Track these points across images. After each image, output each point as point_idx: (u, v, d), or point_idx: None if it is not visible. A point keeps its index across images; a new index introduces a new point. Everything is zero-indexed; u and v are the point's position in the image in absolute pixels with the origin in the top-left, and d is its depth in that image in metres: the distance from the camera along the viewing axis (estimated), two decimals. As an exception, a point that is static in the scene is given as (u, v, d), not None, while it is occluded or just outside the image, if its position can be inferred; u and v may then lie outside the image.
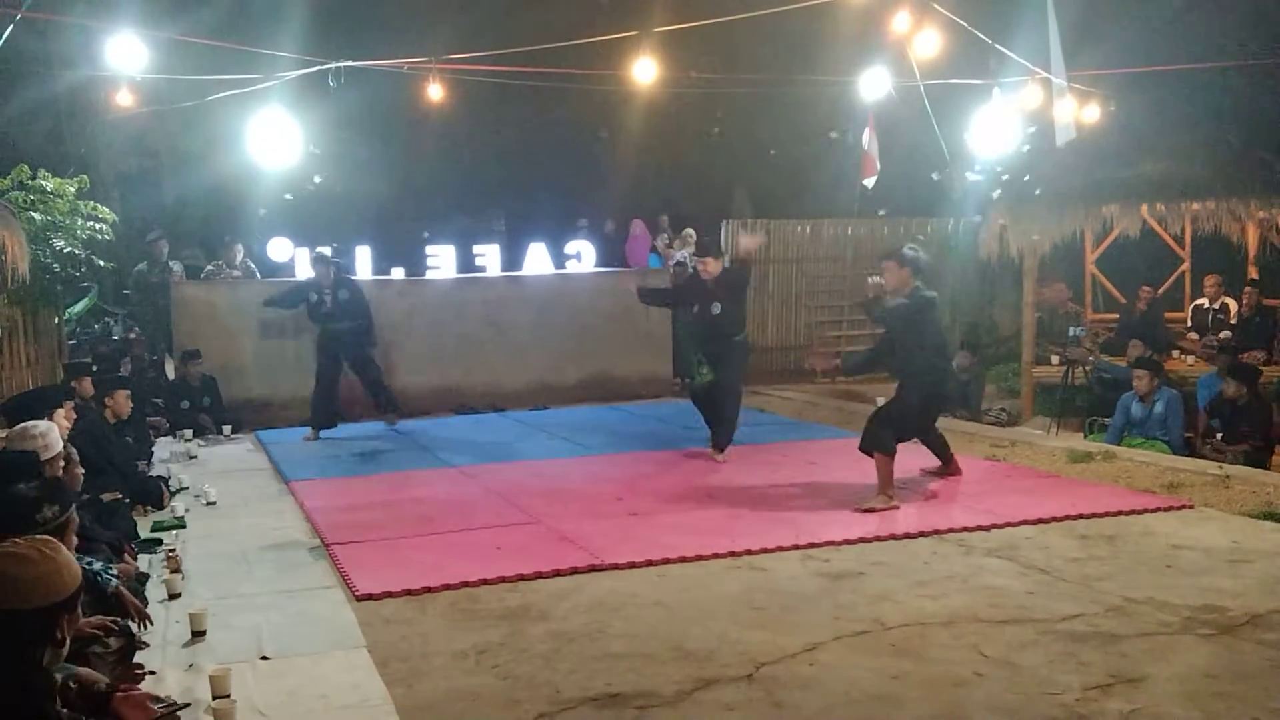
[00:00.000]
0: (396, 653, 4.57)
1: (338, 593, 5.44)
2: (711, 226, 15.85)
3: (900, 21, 11.19)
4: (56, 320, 11.55)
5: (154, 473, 8.26)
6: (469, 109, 16.32)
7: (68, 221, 10.73)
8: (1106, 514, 6.58)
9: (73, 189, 10.86)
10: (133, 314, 14.32)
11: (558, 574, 5.60)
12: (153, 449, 9.22)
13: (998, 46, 12.25)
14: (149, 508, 7.25)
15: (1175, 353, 12.19)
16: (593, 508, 7.09)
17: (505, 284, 12.75)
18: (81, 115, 15.83)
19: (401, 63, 12.40)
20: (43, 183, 10.63)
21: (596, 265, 13.29)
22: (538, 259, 12.96)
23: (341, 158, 17.36)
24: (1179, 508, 6.75)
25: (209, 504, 7.47)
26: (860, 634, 4.68)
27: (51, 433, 4.93)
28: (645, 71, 11.90)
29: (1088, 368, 11.63)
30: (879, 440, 7.04)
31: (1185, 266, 14.10)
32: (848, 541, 6.10)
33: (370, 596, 5.30)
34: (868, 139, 13.54)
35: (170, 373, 12.14)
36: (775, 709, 3.97)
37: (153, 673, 4.30)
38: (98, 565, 4.60)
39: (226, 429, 10.55)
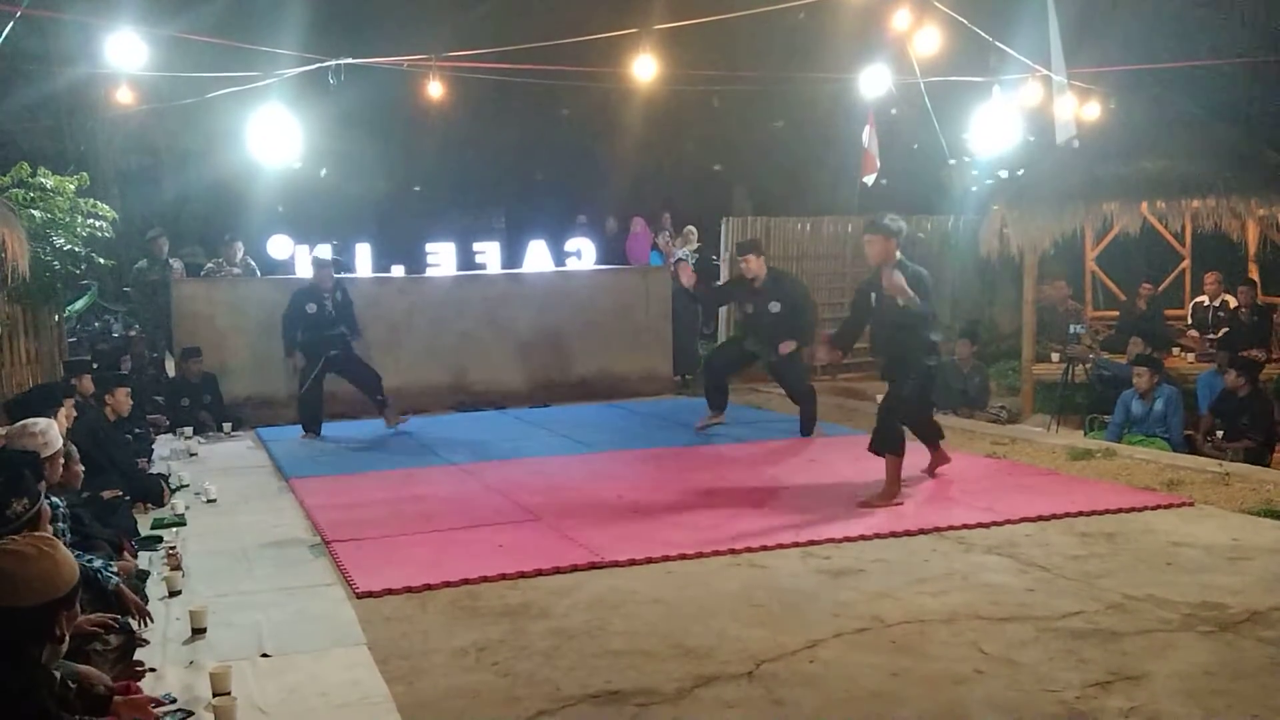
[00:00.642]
0: (397, 650, 4.57)
1: (338, 590, 5.44)
2: (711, 224, 15.87)
3: (900, 19, 11.19)
4: (56, 318, 11.55)
5: (154, 470, 8.25)
6: (469, 107, 16.31)
7: (68, 219, 10.73)
8: (1106, 511, 6.58)
9: (73, 186, 10.85)
10: (133, 312, 14.31)
11: (558, 571, 5.60)
12: (153, 446, 9.23)
13: (998, 44, 12.24)
14: (149, 505, 7.24)
15: (1175, 350, 12.20)
16: (593, 505, 7.09)
17: (506, 281, 12.74)
18: (81, 113, 15.83)
19: (402, 60, 12.39)
20: (43, 180, 10.62)
21: (597, 263, 13.29)
22: (538, 256, 12.94)
23: (342, 155, 17.36)
24: (1179, 505, 6.75)
25: (209, 501, 7.47)
26: (860, 631, 4.68)
27: (51, 430, 4.94)
28: (645, 69, 11.89)
29: (1088, 365, 11.63)
30: (889, 441, 7.02)
31: (1185, 264, 14.10)
32: (848, 539, 6.11)
33: (370, 594, 5.30)
34: (867, 136, 13.53)
35: (170, 370, 12.14)
36: (775, 706, 3.97)
37: (153, 670, 4.30)
38: (98, 563, 4.61)
39: (227, 426, 10.55)
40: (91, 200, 11.08)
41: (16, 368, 10.47)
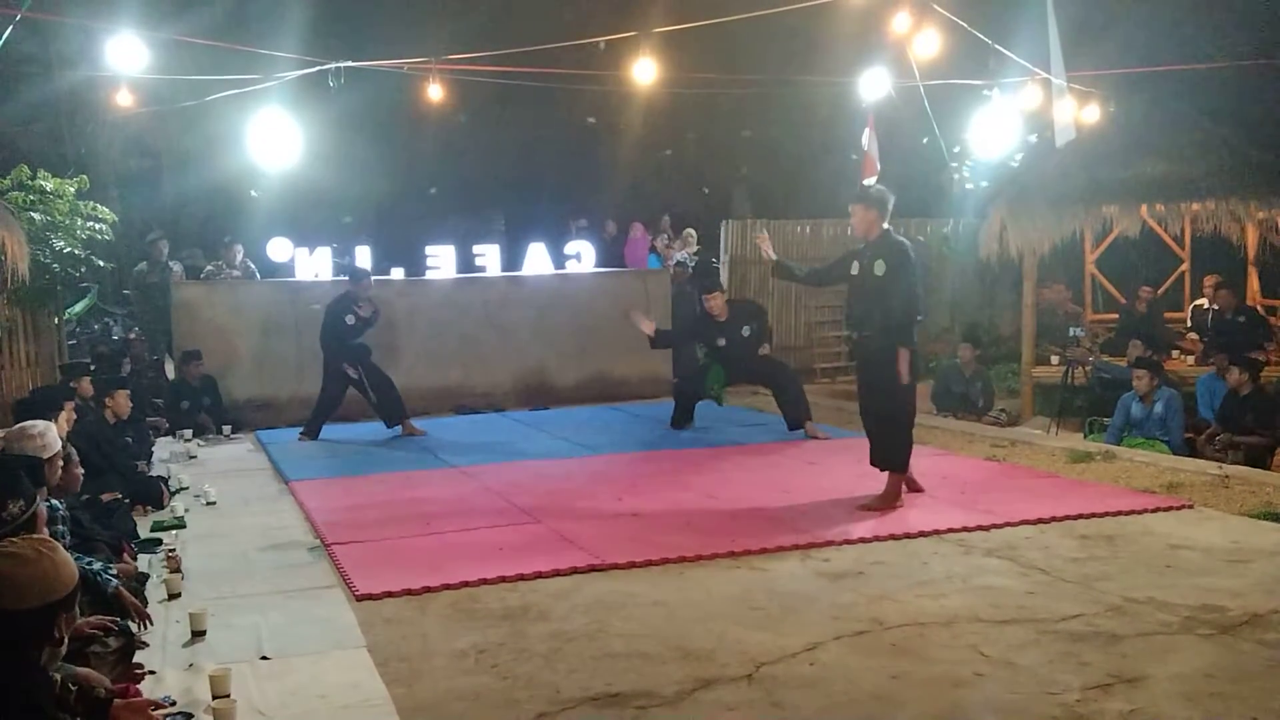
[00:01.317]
0: (396, 653, 4.57)
1: (338, 593, 5.43)
2: (711, 226, 15.89)
3: (900, 22, 11.19)
4: (56, 320, 11.56)
5: (154, 473, 8.26)
6: (469, 109, 16.34)
7: (67, 222, 10.74)
8: (1106, 514, 6.58)
9: (73, 189, 10.87)
10: (132, 314, 14.33)
11: (558, 574, 5.60)
12: (152, 449, 9.23)
13: (997, 47, 12.25)
14: (149, 508, 7.24)
15: (1175, 353, 12.20)
16: (593, 508, 7.09)
17: (505, 284, 12.75)
18: (81, 115, 15.86)
19: (401, 63, 12.40)
20: (42, 183, 10.64)
21: (596, 266, 13.29)
22: (537, 259, 12.95)
23: (341, 158, 17.37)
24: (1179, 508, 6.75)
25: (209, 504, 7.47)
26: (860, 634, 4.67)
27: (50, 432, 4.93)
28: (645, 72, 11.90)
29: (1087, 368, 11.64)
30: (895, 459, 6.92)
31: (1185, 267, 14.11)
32: (848, 541, 6.10)
33: (370, 596, 5.29)
34: (867, 139, 13.54)
35: (170, 373, 12.15)
36: (775, 709, 3.97)
37: (152, 672, 4.29)
38: (97, 565, 4.61)
39: (226, 429, 10.56)
40: (91, 203, 11.09)
41: (16, 370, 10.48)
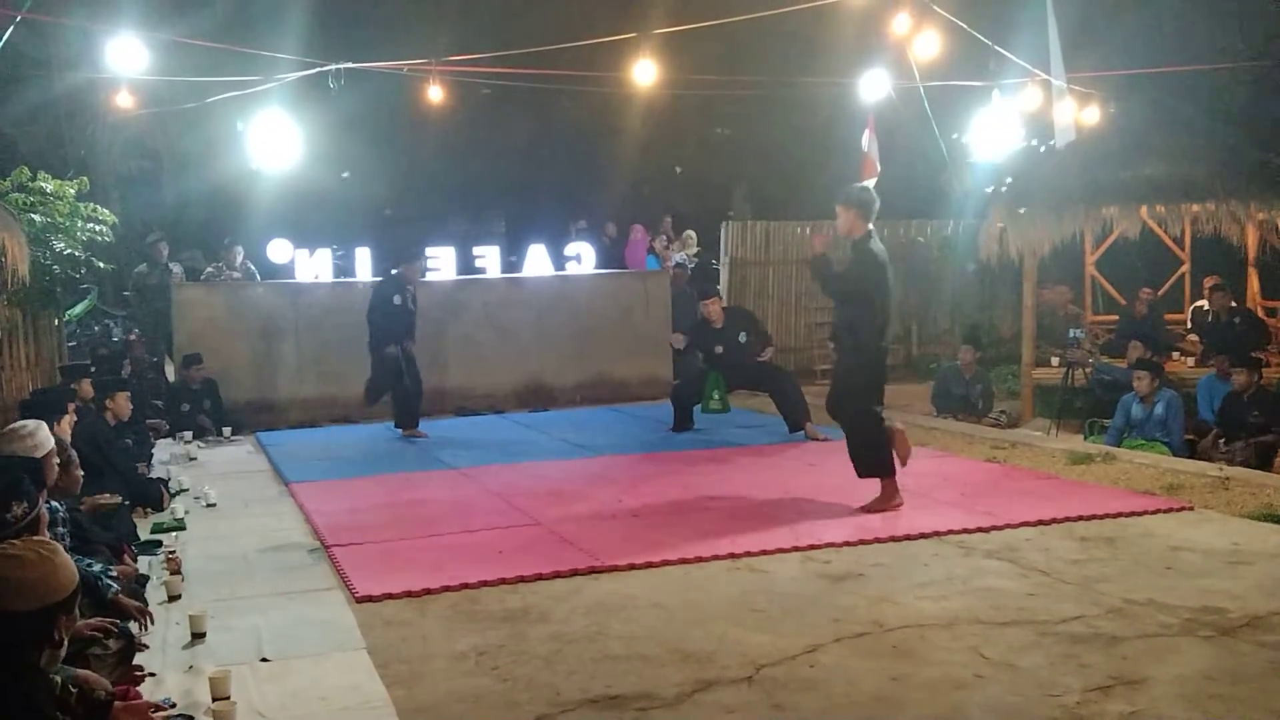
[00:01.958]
0: (397, 654, 4.57)
1: (338, 594, 5.43)
2: (711, 227, 15.89)
3: (900, 23, 11.20)
4: (56, 322, 11.56)
5: (154, 475, 8.26)
6: (469, 111, 16.34)
7: (68, 223, 10.75)
8: (1106, 516, 6.57)
9: (73, 191, 10.87)
10: (133, 316, 14.33)
11: (558, 576, 5.59)
12: (153, 451, 9.22)
13: (997, 48, 12.26)
14: (149, 510, 7.24)
15: (1175, 354, 12.19)
16: (593, 509, 7.09)
17: (505, 286, 12.74)
18: (81, 117, 15.87)
19: (401, 64, 12.41)
20: (43, 184, 10.64)
21: (596, 267, 13.29)
22: (537, 261, 12.94)
23: (342, 159, 17.38)
24: (1179, 509, 6.74)
25: (209, 506, 7.47)
26: (860, 636, 4.67)
27: (40, 431, 4.90)
28: (645, 73, 11.90)
29: (1088, 369, 11.63)
30: (875, 467, 6.86)
31: (1185, 268, 14.10)
32: (848, 543, 6.10)
33: (370, 598, 5.29)
34: (867, 141, 13.54)
35: (170, 375, 12.14)
36: (775, 711, 3.97)
37: (152, 675, 4.29)
38: (97, 567, 4.61)
39: (226, 431, 10.55)
40: (91, 204, 11.10)
41: (16, 372, 10.48)
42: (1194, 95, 12.75)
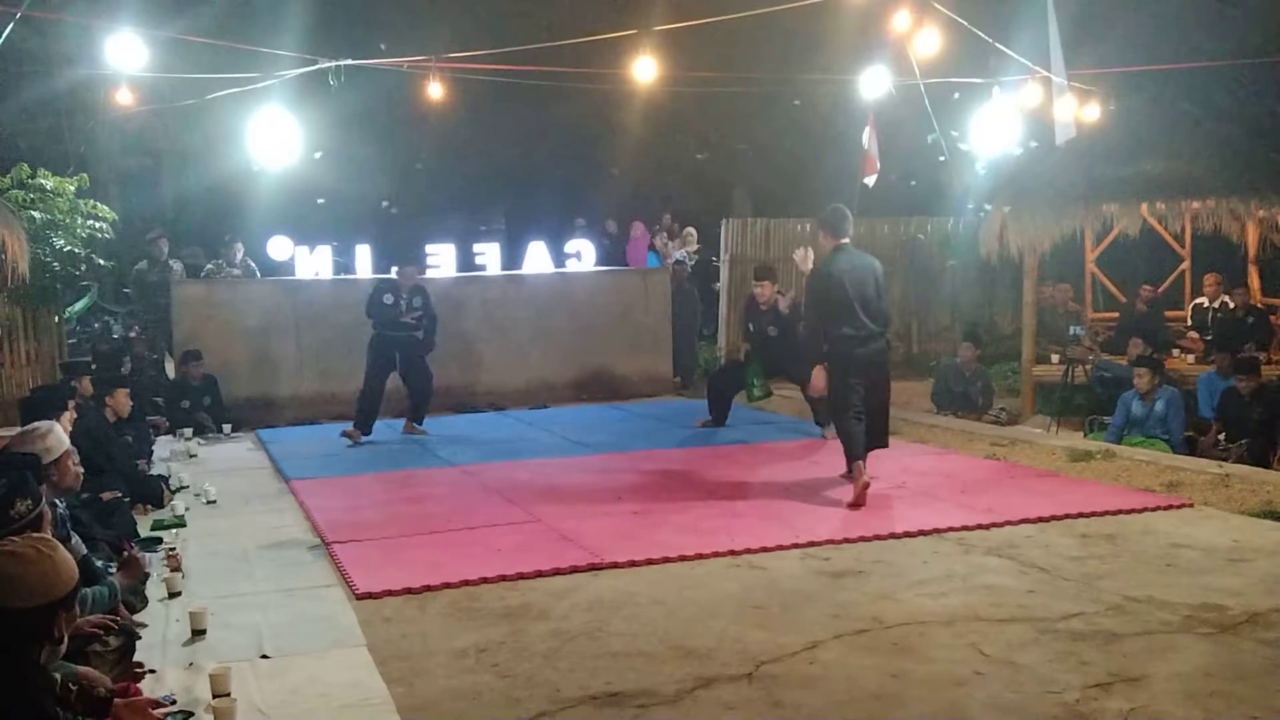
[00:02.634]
0: (397, 651, 4.57)
1: (338, 591, 5.44)
2: (711, 225, 15.88)
3: (900, 20, 11.19)
4: (56, 319, 11.56)
5: (154, 472, 8.26)
6: (469, 108, 16.32)
7: (68, 220, 10.76)
8: (1106, 513, 6.57)
9: (73, 187, 10.88)
10: (133, 313, 14.32)
11: (558, 573, 5.60)
12: (153, 448, 9.23)
13: (998, 45, 12.25)
14: (149, 506, 7.25)
15: (1175, 351, 12.19)
16: (593, 506, 7.09)
17: (505, 283, 12.74)
18: (81, 114, 15.84)
19: (401, 61, 12.41)
20: (43, 181, 10.65)
21: (596, 264, 13.29)
22: (538, 258, 12.94)
23: (341, 157, 17.37)
24: (1179, 506, 6.75)
25: (209, 503, 7.47)
26: (860, 633, 4.68)
27: (54, 432, 4.91)
28: (645, 70, 11.89)
29: (1088, 366, 11.62)
30: (849, 451, 7.16)
31: (1185, 265, 14.09)
32: (847, 540, 6.11)
33: (370, 595, 5.30)
34: (867, 138, 13.55)
35: (170, 372, 12.14)
36: (775, 708, 3.97)
37: (153, 671, 4.29)
38: (98, 565, 4.61)
39: (226, 428, 10.55)
40: (91, 201, 11.10)
41: (16, 368, 10.49)
42: (1194, 92, 12.73)
